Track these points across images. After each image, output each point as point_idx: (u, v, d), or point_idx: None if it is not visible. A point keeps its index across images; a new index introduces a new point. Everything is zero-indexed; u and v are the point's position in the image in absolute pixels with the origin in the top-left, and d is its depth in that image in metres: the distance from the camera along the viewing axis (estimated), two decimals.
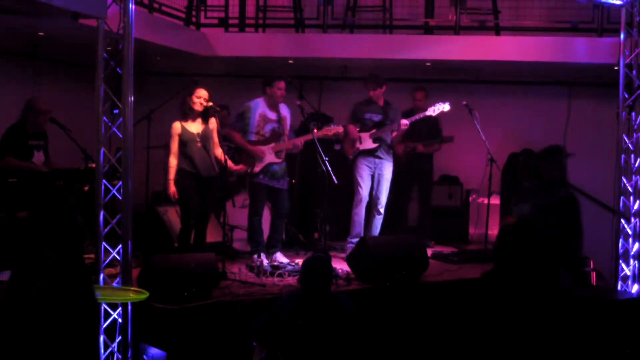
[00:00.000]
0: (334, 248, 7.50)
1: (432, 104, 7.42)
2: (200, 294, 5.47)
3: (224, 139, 6.83)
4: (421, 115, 7.31)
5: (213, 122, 6.43)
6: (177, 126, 6.34)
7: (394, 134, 7.39)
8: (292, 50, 8.18)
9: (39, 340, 3.46)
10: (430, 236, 8.01)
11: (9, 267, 5.77)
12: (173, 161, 6.33)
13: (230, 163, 6.51)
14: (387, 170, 7.34)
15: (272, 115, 6.84)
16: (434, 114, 7.32)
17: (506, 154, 8.61)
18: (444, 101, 7.30)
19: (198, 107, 6.31)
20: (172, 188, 6.30)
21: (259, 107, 6.82)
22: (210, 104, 6.35)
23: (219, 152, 6.48)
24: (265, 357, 4.49)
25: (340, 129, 6.97)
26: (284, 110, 6.92)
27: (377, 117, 7.35)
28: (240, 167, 6.71)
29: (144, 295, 4.65)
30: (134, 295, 4.69)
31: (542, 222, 4.73)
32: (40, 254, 3.54)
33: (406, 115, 7.55)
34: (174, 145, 6.34)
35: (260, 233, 6.88)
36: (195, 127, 6.35)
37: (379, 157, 7.31)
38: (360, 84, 7.61)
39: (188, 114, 6.34)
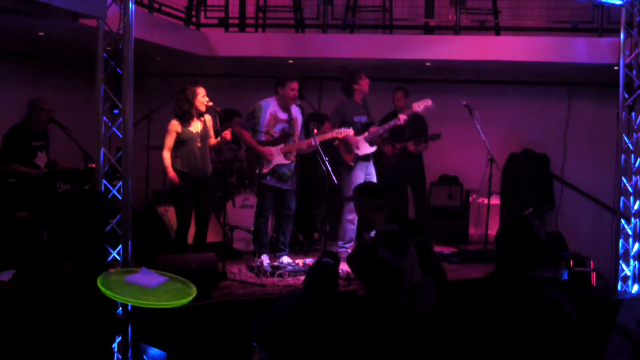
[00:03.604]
0: (333, 249, 7.48)
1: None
2: (200, 294, 5.46)
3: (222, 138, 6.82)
4: (409, 112, 7.24)
5: (209, 120, 6.42)
6: (176, 124, 6.26)
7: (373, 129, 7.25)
8: (292, 50, 8.18)
9: (55, 342, 3.47)
10: (430, 236, 7.98)
11: (13, 267, 5.80)
12: (167, 154, 6.23)
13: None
14: (373, 170, 7.26)
15: (283, 116, 6.80)
16: (420, 110, 7.17)
17: (506, 154, 8.62)
18: (425, 98, 7.18)
19: (204, 108, 6.31)
20: (172, 172, 6.19)
21: (270, 107, 6.76)
22: (211, 103, 6.35)
23: (212, 141, 6.46)
24: (266, 358, 4.49)
25: (351, 131, 6.88)
26: (296, 111, 6.85)
27: (364, 119, 7.21)
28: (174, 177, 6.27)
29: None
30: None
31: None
32: (61, 262, 3.57)
33: (390, 117, 7.54)
34: (170, 141, 6.23)
35: (266, 235, 6.88)
36: (195, 126, 6.34)
37: (369, 160, 7.23)
38: None
39: (191, 114, 6.29)
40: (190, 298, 3.87)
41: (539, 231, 3.25)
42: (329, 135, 6.78)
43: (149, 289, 3.76)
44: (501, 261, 3.25)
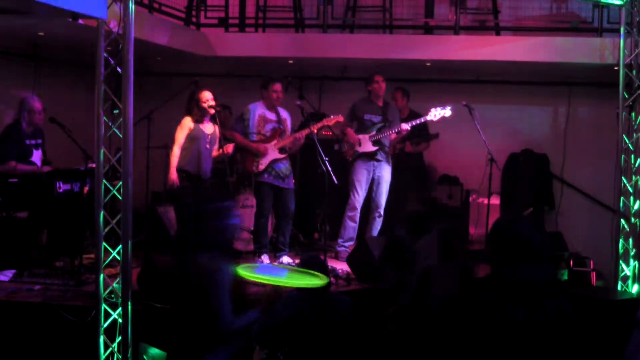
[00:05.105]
0: (333, 248, 7.48)
1: (424, 104, 7.35)
2: None
3: (224, 138, 6.85)
4: (422, 119, 7.24)
5: (217, 129, 6.55)
6: (189, 121, 6.43)
7: (393, 135, 7.31)
8: (292, 50, 8.18)
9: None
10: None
11: (13, 267, 5.81)
12: (177, 150, 6.41)
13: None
14: (386, 172, 7.30)
15: (271, 116, 6.87)
16: (435, 119, 7.18)
17: (506, 154, 8.61)
18: (443, 106, 7.16)
19: (212, 111, 6.43)
20: (174, 174, 6.35)
21: (258, 109, 6.87)
22: (214, 104, 6.41)
23: (215, 152, 6.64)
24: (266, 357, 4.49)
25: (341, 118, 6.94)
26: (283, 113, 6.96)
27: (376, 118, 7.29)
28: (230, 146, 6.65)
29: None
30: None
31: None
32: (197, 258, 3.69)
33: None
34: (181, 137, 6.40)
35: (266, 235, 6.91)
36: (207, 127, 6.50)
37: (378, 160, 7.26)
38: (360, 83, 7.59)
39: (201, 116, 6.44)
40: (327, 281, 4.17)
41: (509, 230, 3.19)
42: (319, 125, 6.82)
43: (283, 278, 3.98)
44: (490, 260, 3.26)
